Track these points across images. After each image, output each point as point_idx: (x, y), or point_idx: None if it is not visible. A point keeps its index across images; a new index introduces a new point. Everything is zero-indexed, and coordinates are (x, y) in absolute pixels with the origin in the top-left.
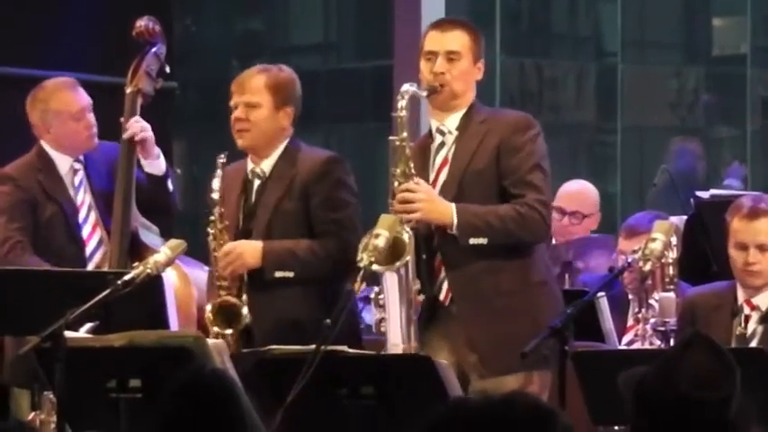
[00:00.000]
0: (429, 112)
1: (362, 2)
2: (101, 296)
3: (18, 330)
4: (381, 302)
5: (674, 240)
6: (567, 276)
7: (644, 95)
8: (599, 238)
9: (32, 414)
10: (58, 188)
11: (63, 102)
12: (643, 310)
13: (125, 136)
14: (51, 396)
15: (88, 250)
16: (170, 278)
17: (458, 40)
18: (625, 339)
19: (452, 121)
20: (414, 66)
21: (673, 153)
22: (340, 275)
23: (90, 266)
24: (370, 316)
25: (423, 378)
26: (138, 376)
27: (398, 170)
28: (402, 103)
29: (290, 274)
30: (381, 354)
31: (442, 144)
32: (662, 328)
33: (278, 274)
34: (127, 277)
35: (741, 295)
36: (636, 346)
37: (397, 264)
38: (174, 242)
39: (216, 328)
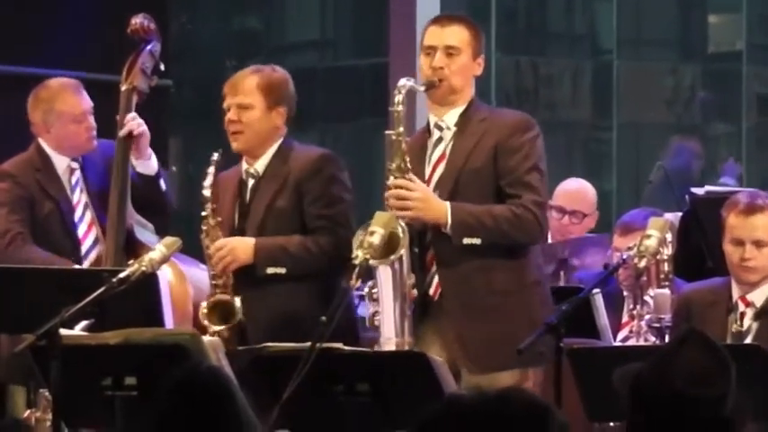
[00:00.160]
0: (428, 107)
1: None
2: (96, 294)
3: (13, 328)
4: (375, 296)
5: (669, 237)
6: (562, 274)
7: (640, 93)
8: (594, 238)
9: (28, 412)
10: (56, 186)
11: (67, 103)
12: (638, 307)
13: (121, 133)
14: (47, 394)
15: (84, 248)
16: (166, 276)
17: (457, 35)
18: (620, 336)
19: (451, 117)
20: (410, 63)
21: (670, 150)
22: (334, 271)
23: (86, 265)
24: (364, 311)
25: (418, 375)
26: (133, 374)
27: (394, 165)
28: (399, 97)
29: (282, 271)
30: (377, 351)
31: (440, 139)
32: (657, 325)
33: (270, 270)
34: (122, 275)
35: (736, 292)
36: (631, 342)
37: (391, 257)
38: (168, 240)
39: (211, 325)
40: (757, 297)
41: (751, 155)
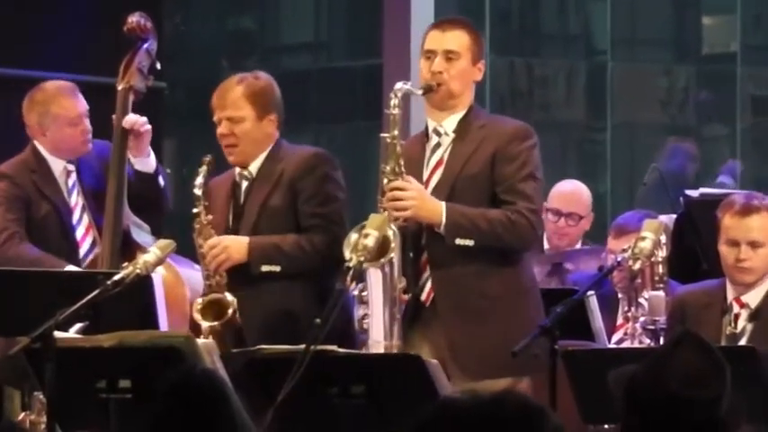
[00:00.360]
0: (426, 111)
1: (353, 1)
2: (90, 296)
3: (8, 331)
4: (365, 299)
5: (663, 239)
6: (556, 276)
7: (634, 94)
8: (590, 249)
9: (22, 415)
10: (52, 188)
11: (63, 107)
12: (633, 309)
13: (124, 124)
14: (41, 396)
15: (81, 252)
16: (164, 278)
17: (457, 39)
18: (615, 338)
19: (450, 123)
20: (404, 64)
21: (665, 152)
22: (329, 271)
23: (83, 267)
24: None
25: (413, 377)
26: (127, 377)
27: (388, 167)
28: (395, 101)
29: (277, 269)
30: (371, 353)
31: (438, 145)
32: (652, 327)
33: (264, 268)
34: (116, 277)
35: (731, 293)
36: (626, 344)
37: (382, 260)
38: (163, 242)
39: (204, 322)
40: (752, 298)
41: (745, 156)
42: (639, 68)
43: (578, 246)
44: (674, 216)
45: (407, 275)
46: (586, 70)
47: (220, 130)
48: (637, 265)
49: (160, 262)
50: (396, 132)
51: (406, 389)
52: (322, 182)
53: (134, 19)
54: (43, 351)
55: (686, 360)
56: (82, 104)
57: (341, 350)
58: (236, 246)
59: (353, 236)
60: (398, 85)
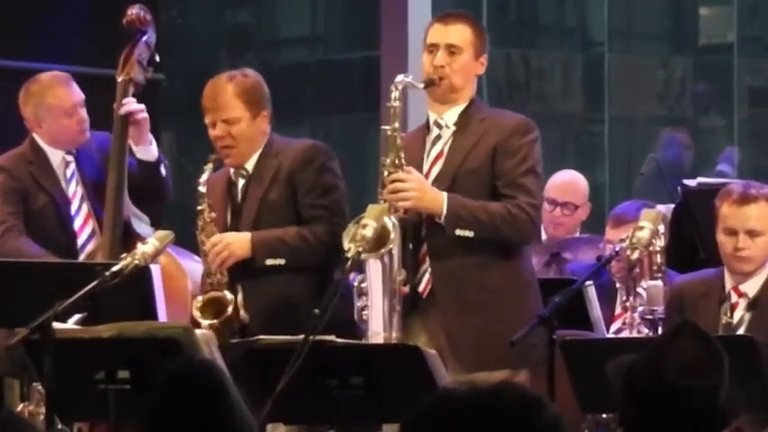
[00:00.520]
0: (428, 104)
1: None
2: (89, 287)
3: (6, 322)
4: (365, 290)
5: (661, 228)
6: (554, 266)
7: (631, 85)
8: (588, 238)
9: (21, 405)
10: (50, 180)
11: (57, 97)
12: (631, 299)
13: (121, 111)
14: (40, 387)
15: (80, 241)
16: (165, 269)
17: (460, 33)
18: (613, 328)
19: (451, 116)
20: (401, 56)
21: (661, 142)
22: (333, 260)
23: (82, 258)
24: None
25: (411, 368)
26: (126, 367)
27: (388, 160)
28: (395, 93)
29: (281, 262)
30: (370, 343)
31: (438, 137)
32: (650, 317)
33: (269, 261)
34: (115, 268)
35: (729, 282)
36: (624, 334)
37: (381, 251)
38: (161, 233)
39: (203, 319)
40: (750, 287)
41: (743, 147)
42: (636, 60)
43: (576, 236)
44: (672, 206)
45: (407, 267)
46: (583, 62)
47: (216, 132)
48: (635, 255)
49: (158, 253)
50: (396, 125)
51: (404, 380)
52: (320, 173)
53: (134, 11)
54: (42, 342)
55: (684, 350)
56: (77, 94)
57: (339, 340)
58: (238, 242)
59: (352, 227)
60: (399, 77)
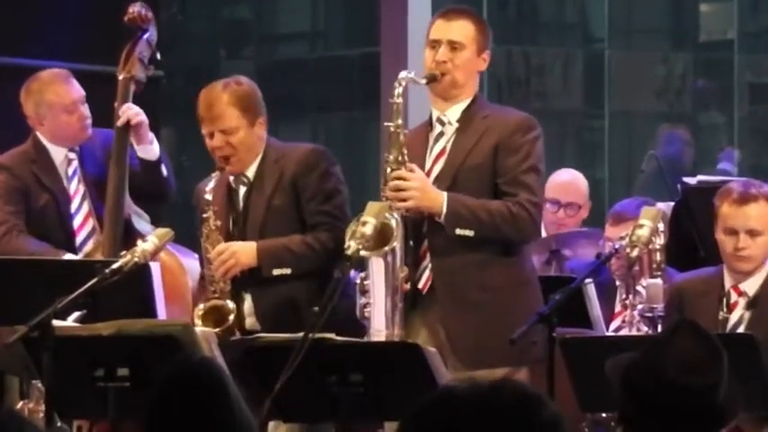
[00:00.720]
0: (430, 101)
1: None
2: (88, 285)
3: (6, 319)
4: (367, 288)
5: (661, 226)
6: (554, 263)
7: (631, 82)
8: (587, 232)
9: (21, 403)
10: (52, 178)
11: (56, 94)
12: (630, 297)
13: (118, 123)
14: (39, 385)
15: (79, 240)
16: (167, 267)
17: (462, 29)
18: (612, 326)
19: (454, 113)
20: (401, 52)
21: (661, 139)
22: (338, 265)
23: (80, 256)
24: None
25: (411, 365)
26: (126, 365)
27: (392, 156)
28: (398, 89)
29: (288, 271)
30: (370, 341)
31: (441, 134)
32: (649, 315)
33: (276, 271)
34: (114, 266)
35: (728, 281)
36: (623, 332)
37: (385, 249)
38: (160, 231)
39: (204, 328)
40: (749, 286)
41: (743, 144)
42: (637, 56)
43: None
44: (672, 203)
45: (408, 264)
46: (583, 58)
47: (214, 143)
48: (634, 253)
49: (158, 251)
50: (399, 121)
51: (404, 377)
52: (323, 178)
53: (135, 9)
54: (41, 339)
55: (683, 348)
56: (77, 91)
57: (339, 338)
58: (244, 251)
59: (352, 225)
60: (403, 74)
